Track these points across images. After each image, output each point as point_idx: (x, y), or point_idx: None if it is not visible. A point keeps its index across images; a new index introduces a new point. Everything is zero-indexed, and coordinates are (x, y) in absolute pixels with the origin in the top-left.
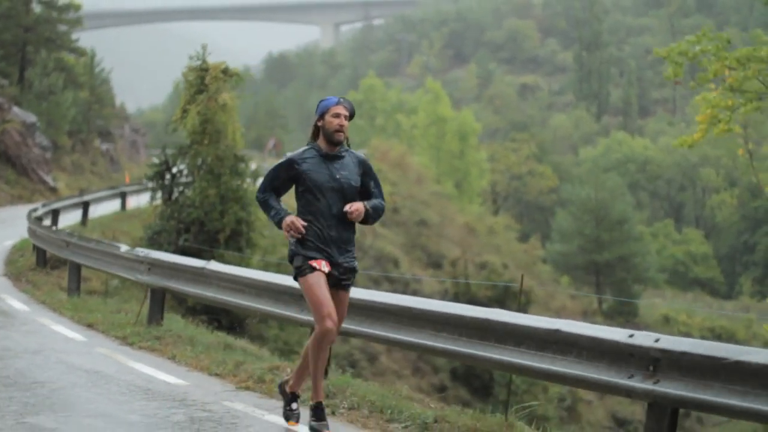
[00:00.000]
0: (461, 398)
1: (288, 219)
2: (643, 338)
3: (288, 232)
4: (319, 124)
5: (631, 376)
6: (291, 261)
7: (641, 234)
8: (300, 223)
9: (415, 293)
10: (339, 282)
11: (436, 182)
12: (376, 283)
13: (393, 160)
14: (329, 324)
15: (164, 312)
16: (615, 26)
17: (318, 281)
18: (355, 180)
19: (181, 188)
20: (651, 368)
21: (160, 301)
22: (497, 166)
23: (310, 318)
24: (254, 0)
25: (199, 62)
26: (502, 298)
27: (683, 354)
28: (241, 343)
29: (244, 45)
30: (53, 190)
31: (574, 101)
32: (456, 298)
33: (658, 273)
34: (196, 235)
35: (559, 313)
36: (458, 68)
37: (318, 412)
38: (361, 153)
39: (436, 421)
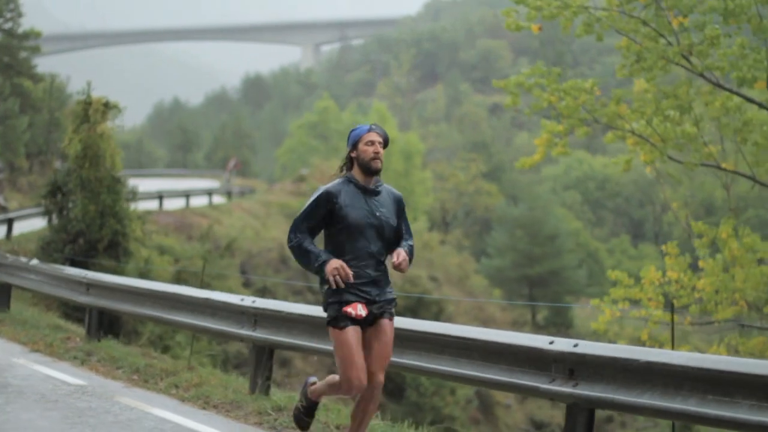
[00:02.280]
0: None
1: (333, 264)
2: (563, 344)
3: (334, 277)
4: (353, 155)
5: (552, 380)
6: (325, 309)
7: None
8: (347, 269)
9: None
10: (378, 315)
11: None
12: (299, 294)
13: (331, 179)
14: (354, 386)
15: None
16: (586, 46)
17: (350, 340)
18: (393, 219)
19: (70, 204)
20: (570, 372)
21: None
22: (445, 184)
23: (175, 318)
24: (240, 21)
25: (84, 96)
26: (416, 308)
27: (598, 357)
28: (71, 326)
29: (230, 65)
30: (3, 209)
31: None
32: None
33: (590, 287)
34: (80, 245)
35: (486, 324)
36: (431, 88)
37: None
38: (389, 187)
39: None
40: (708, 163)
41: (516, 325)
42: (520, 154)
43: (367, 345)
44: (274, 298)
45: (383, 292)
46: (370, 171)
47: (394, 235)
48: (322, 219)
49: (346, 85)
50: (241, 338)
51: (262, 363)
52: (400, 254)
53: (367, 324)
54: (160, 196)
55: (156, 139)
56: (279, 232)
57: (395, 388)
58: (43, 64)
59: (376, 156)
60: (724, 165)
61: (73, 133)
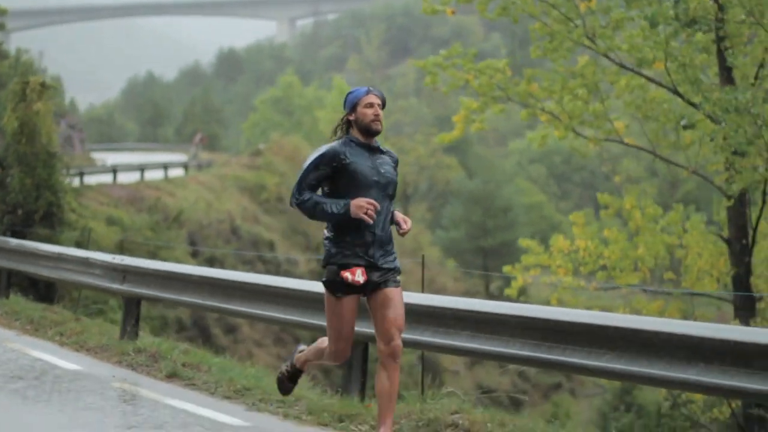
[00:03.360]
0: (322, 367)
1: (357, 202)
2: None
3: (365, 214)
4: (351, 118)
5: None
6: (324, 267)
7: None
8: (372, 201)
9: (286, 273)
10: (381, 283)
11: None
12: (249, 264)
13: (287, 153)
14: (340, 357)
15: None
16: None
17: (344, 312)
18: (395, 176)
19: (8, 179)
20: None
21: None
22: (407, 158)
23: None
24: None
25: (43, 72)
26: None
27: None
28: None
29: (210, 39)
30: None
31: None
32: (320, 277)
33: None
34: (18, 216)
35: (438, 293)
36: (402, 63)
37: None
38: (386, 148)
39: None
40: (612, 138)
41: (468, 295)
42: (490, 129)
43: (379, 313)
44: (223, 267)
45: (387, 257)
46: (371, 132)
47: (396, 192)
48: (324, 179)
49: (318, 60)
50: (113, 292)
51: (131, 312)
52: (406, 220)
53: (366, 292)
54: (113, 170)
55: (129, 114)
56: (232, 204)
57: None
58: (20, 39)
59: (376, 118)
60: (627, 140)
61: (11, 111)
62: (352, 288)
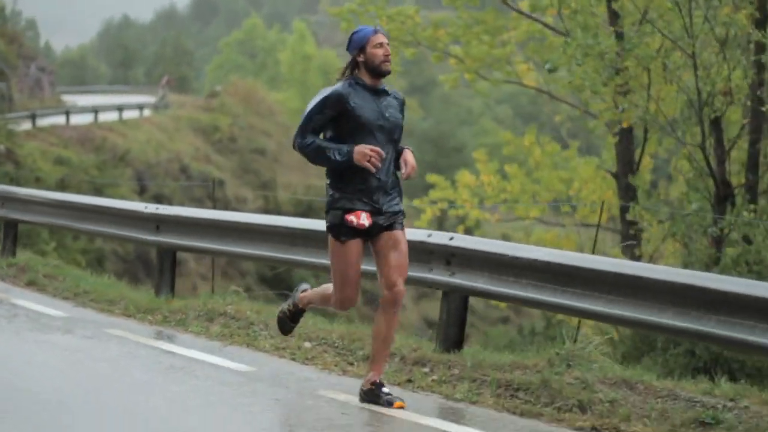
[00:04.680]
0: (268, 298)
1: (361, 149)
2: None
3: (369, 162)
4: (360, 59)
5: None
6: (327, 213)
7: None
8: (378, 149)
9: (236, 209)
10: (386, 227)
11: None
12: (198, 201)
13: (242, 95)
14: (347, 304)
15: None
16: None
17: (350, 256)
18: (401, 121)
19: None
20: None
21: None
22: None
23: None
24: None
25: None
26: (306, 213)
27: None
28: None
29: None
30: None
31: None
32: (266, 211)
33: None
34: None
35: None
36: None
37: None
38: (393, 89)
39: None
40: (512, 80)
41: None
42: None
43: (382, 256)
44: (171, 204)
45: (391, 201)
46: (381, 73)
47: (401, 136)
48: (328, 122)
49: (291, 2)
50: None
51: (8, 234)
52: (408, 162)
53: (371, 236)
54: (66, 112)
55: (102, 57)
56: (184, 144)
57: (287, 288)
58: None
59: (386, 58)
60: (525, 81)
61: None
62: (357, 232)
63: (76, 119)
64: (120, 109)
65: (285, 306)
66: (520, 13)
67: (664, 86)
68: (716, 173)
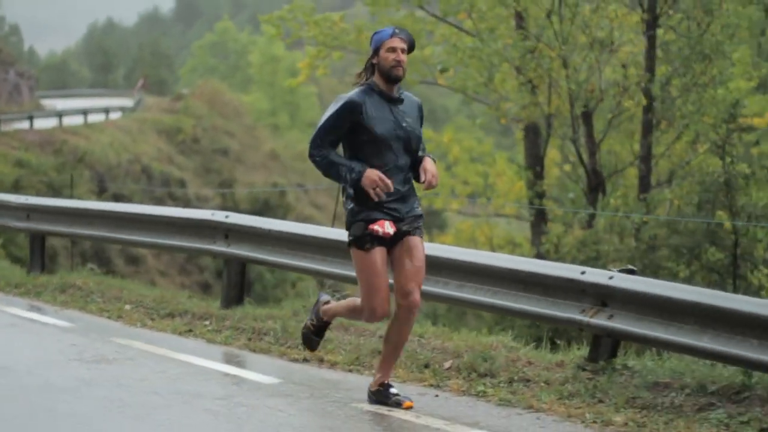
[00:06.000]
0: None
1: (371, 175)
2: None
3: (374, 190)
4: (375, 61)
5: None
6: (348, 227)
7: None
8: (386, 179)
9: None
10: (407, 232)
11: (270, 115)
12: (160, 201)
13: (207, 97)
14: (378, 314)
15: None
16: None
17: (377, 264)
18: (419, 130)
19: None
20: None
21: None
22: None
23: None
24: None
25: None
26: (261, 210)
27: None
28: None
29: None
30: None
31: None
32: (224, 208)
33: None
34: None
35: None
36: (352, 7)
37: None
38: (410, 95)
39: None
40: (427, 80)
41: None
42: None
43: (398, 263)
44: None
45: (411, 208)
46: (391, 79)
47: (419, 146)
48: (344, 131)
49: (275, 3)
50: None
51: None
52: (427, 171)
53: (393, 243)
54: (30, 117)
55: (85, 60)
56: (147, 146)
57: (247, 282)
58: None
59: (397, 64)
60: (440, 81)
61: None
62: (381, 240)
63: (42, 123)
64: (85, 112)
65: (308, 321)
66: (435, 17)
67: (540, 84)
68: (587, 164)
